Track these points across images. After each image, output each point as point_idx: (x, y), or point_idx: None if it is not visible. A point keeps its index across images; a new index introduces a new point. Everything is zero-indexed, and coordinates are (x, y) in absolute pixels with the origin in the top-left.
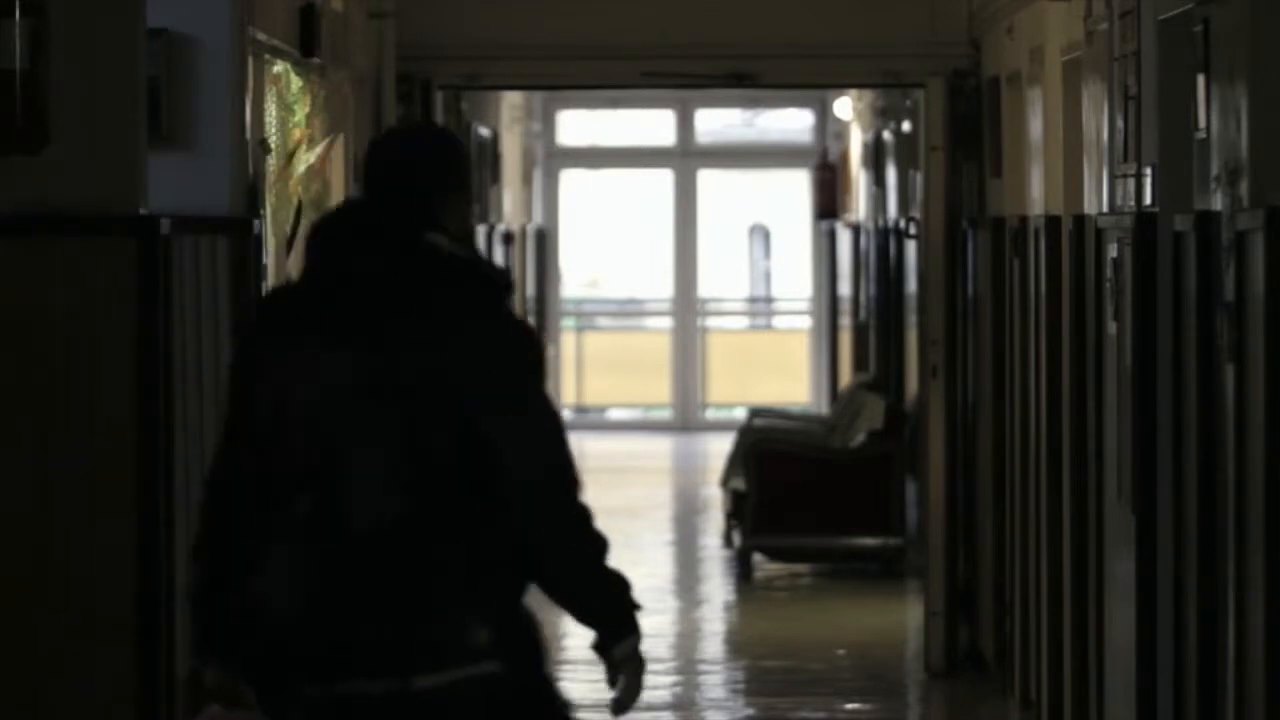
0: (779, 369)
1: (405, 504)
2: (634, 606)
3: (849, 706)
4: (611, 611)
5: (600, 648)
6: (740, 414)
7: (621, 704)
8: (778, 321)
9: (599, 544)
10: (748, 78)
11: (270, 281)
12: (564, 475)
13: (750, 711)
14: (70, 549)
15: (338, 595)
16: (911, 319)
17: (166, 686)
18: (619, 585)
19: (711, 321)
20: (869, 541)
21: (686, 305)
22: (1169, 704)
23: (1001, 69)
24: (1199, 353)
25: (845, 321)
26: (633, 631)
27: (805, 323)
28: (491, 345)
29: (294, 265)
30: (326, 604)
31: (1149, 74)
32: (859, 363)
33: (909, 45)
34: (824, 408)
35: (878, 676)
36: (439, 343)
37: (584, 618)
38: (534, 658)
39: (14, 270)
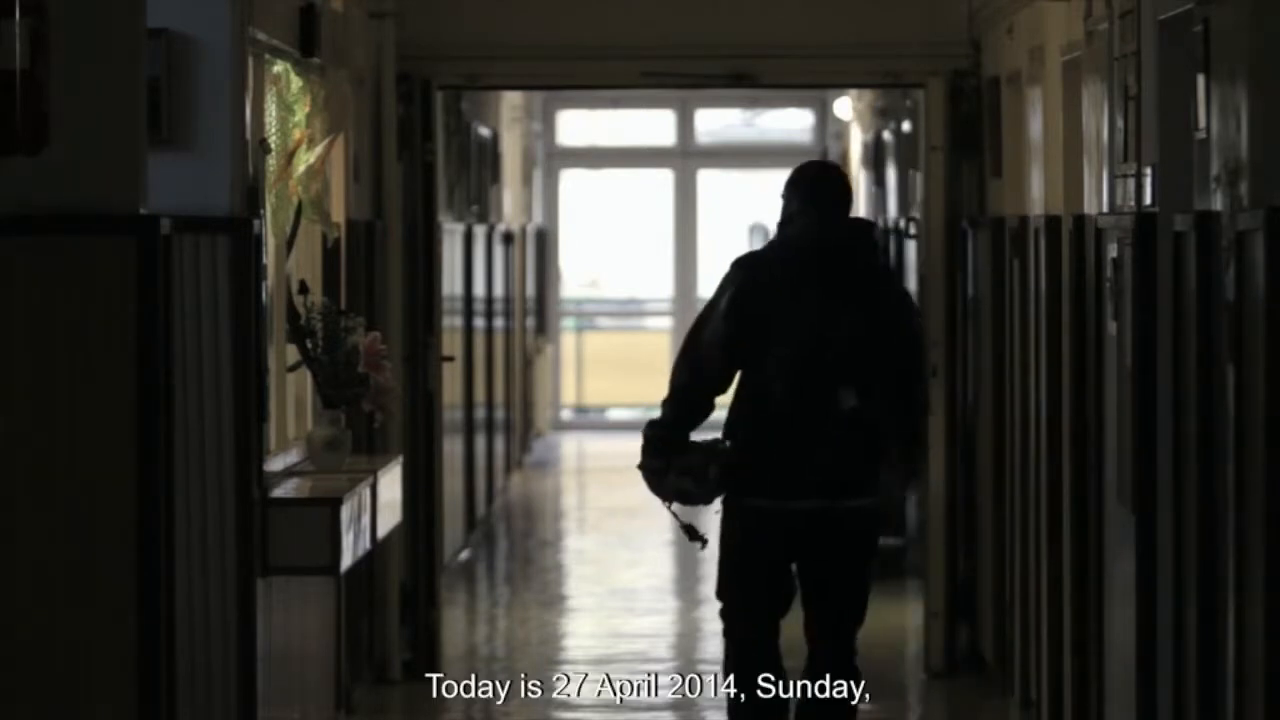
0: None
1: (873, 392)
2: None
3: None
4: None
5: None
6: None
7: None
8: None
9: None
10: (748, 78)
11: (270, 281)
12: (923, 371)
13: None
14: (70, 548)
15: (835, 447)
16: None
17: (168, 685)
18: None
19: None
20: None
21: (686, 305)
22: (1169, 704)
23: (1001, 69)
24: (1199, 353)
25: None
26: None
27: None
28: (900, 291)
29: (295, 265)
30: (827, 451)
31: (1149, 74)
32: None
33: (909, 45)
34: None
35: (878, 676)
36: (884, 291)
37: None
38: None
39: (14, 270)
